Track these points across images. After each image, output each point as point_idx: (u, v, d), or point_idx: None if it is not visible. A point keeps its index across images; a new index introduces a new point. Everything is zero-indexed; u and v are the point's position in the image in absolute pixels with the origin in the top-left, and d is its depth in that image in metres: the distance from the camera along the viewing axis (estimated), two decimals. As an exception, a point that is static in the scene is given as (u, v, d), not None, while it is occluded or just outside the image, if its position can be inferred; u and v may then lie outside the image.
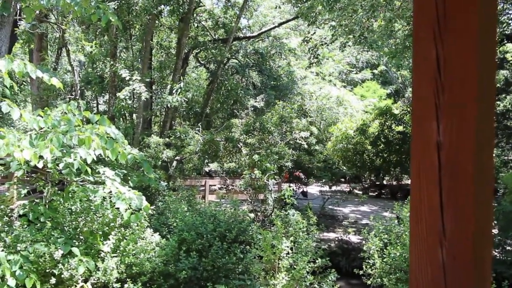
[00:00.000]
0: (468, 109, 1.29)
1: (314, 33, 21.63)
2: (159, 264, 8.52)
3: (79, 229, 8.08)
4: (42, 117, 6.03)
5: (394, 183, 24.87)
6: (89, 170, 6.56)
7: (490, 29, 1.34)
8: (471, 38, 1.30)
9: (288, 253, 8.79)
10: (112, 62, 15.40)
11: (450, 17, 1.32)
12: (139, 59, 17.27)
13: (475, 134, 1.29)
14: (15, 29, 14.87)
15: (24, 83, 20.68)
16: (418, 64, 1.41)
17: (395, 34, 19.98)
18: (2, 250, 7.10)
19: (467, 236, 1.29)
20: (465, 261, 1.29)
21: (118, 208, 6.91)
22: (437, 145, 1.33)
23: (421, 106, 1.40)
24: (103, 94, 19.27)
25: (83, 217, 8.24)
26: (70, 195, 8.29)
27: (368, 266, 9.49)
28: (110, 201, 7.94)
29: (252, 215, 13.22)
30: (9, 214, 8.84)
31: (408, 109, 23.56)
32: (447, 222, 1.31)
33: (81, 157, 6.23)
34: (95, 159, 6.33)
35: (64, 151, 6.34)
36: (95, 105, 20.92)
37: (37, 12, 13.70)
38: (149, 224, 9.47)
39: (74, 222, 8.13)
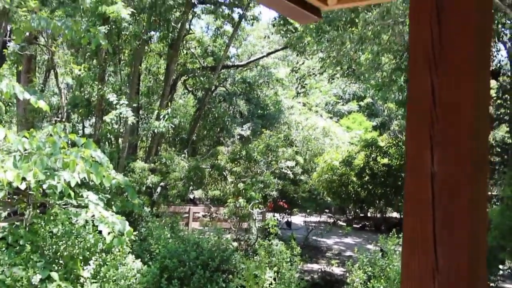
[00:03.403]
0: (463, 140, 1.28)
1: (303, 63, 21.85)
2: (140, 291, 8.38)
3: (59, 253, 7.94)
4: (27, 138, 5.97)
5: (379, 215, 24.89)
6: (72, 193, 6.48)
7: (485, 61, 1.35)
8: (466, 70, 1.30)
9: (271, 284, 8.70)
10: (100, 86, 15.37)
11: (445, 49, 1.32)
12: (127, 84, 17.27)
13: (470, 166, 1.27)
14: (4, 50, 14.82)
15: (10, 104, 20.55)
16: (412, 96, 1.41)
17: (382, 67, 20.22)
18: (-21, 273, 6.94)
19: (461, 271, 1.27)
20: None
21: (100, 233, 6.82)
22: (431, 175, 1.31)
23: (415, 136, 1.39)
24: (89, 117, 19.18)
25: (64, 241, 8.10)
26: (51, 218, 8.16)
27: (351, 299, 9.40)
28: (93, 225, 7.84)
29: (235, 243, 13.11)
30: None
31: (394, 142, 23.73)
32: (440, 256, 1.29)
33: (65, 180, 6.16)
34: (79, 182, 6.27)
35: (48, 173, 6.27)
36: (81, 128, 20.81)
37: (27, 33, 13.69)
38: (131, 250, 9.33)
39: (54, 246, 7.98)
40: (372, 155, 23.35)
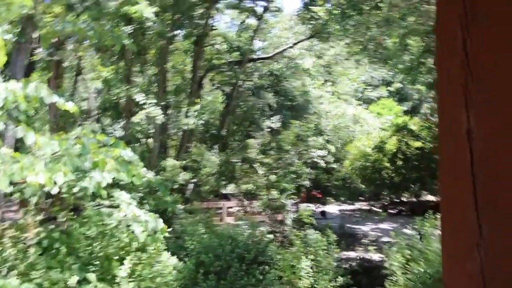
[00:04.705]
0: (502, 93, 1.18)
1: (329, 49, 21.67)
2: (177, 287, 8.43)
3: (94, 254, 8.02)
4: (56, 141, 6.03)
5: (414, 199, 24.54)
6: (104, 193, 6.53)
7: None
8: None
9: (308, 273, 8.65)
10: (127, 87, 15.51)
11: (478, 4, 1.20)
12: (154, 83, 17.37)
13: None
14: (31, 57, 15.06)
15: (40, 110, 20.92)
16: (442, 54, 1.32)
17: (409, 50, 19.89)
18: (17, 278, 7.06)
19: (507, 243, 1.13)
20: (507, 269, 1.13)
21: (133, 232, 6.85)
22: (468, 133, 1.18)
23: (449, 92, 1.28)
24: (119, 120, 19.38)
25: (98, 242, 8.19)
26: (85, 220, 8.25)
27: (391, 284, 9.29)
28: (126, 225, 7.90)
29: (270, 236, 13.09)
30: (24, 242, 8.82)
31: (426, 125, 23.36)
32: (484, 228, 1.14)
33: (96, 180, 6.21)
34: (110, 182, 6.30)
35: (79, 175, 6.33)
36: (112, 131, 21.05)
37: (54, 39, 13.88)
38: (166, 248, 9.39)
39: (89, 248, 8.07)
40: (404, 139, 23.05)
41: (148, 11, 12.91)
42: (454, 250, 1.25)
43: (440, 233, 1.32)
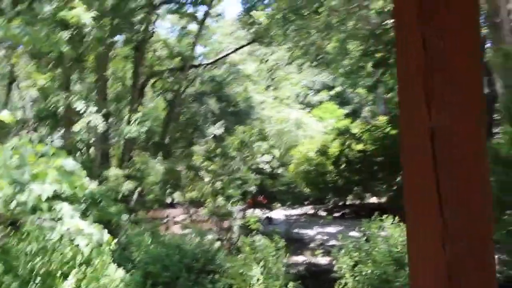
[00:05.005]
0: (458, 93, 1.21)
1: (271, 54, 21.80)
2: (124, 301, 8.16)
3: (35, 271, 7.62)
4: (-9, 153, 5.69)
5: (357, 202, 24.92)
6: (45, 207, 6.20)
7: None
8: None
9: (258, 279, 8.55)
10: (66, 95, 15.01)
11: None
12: (94, 91, 16.91)
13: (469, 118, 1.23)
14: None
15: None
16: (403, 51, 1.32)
17: (349, 54, 20.23)
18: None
19: (469, 231, 1.19)
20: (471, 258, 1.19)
21: (78, 245, 6.56)
22: (430, 130, 1.23)
23: (409, 93, 1.32)
24: (58, 129, 18.80)
25: (39, 258, 7.79)
26: (24, 236, 7.84)
27: (340, 287, 9.32)
28: (70, 238, 7.56)
29: (218, 243, 12.94)
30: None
31: (367, 128, 23.76)
32: (447, 218, 1.20)
33: (36, 193, 5.89)
34: (51, 195, 6.00)
35: (17, 187, 5.99)
36: (50, 141, 20.33)
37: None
38: (112, 260, 9.08)
39: (29, 264, 7.67)
40: (347, 143, 23.37)
41: (86, 17, 12.54)
42: (419, 240, 1.28)
43: (406, 230, 1.35)
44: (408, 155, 1.35)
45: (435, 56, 1.28)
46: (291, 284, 8.68)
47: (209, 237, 12.85)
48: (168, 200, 20.07)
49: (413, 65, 1.32)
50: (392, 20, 16.83)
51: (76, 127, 14.31)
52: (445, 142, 1.21)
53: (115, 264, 9.27)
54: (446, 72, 1.24)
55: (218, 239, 14.12)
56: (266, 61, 21.34)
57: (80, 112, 14.19)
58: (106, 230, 6.67)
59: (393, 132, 21.34)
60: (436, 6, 1.30)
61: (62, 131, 17.35)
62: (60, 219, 6.78)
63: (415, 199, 1.33)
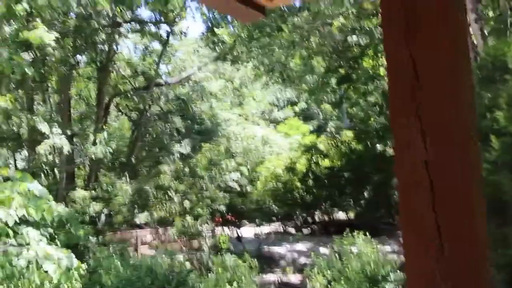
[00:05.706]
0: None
1: (237, 71, 21.89)
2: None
3: (1, 299, 7.38)
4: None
5: (326, 218, 24.96)
6: (10, 232, 6.03)
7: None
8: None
9: (232, 300, 8.47)
10: (29, 116, 14.70)
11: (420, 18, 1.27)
12: (58, 112, 16.64)
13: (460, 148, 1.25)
14: None
15: None
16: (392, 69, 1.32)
17: (313, 70, 20.44)
18: None
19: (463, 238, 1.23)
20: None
21: (46, 271, 6.38)
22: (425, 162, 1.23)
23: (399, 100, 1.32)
24: (19, 151, 18.38)
25: (5, 286, 7.54)
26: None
27: (313, 305, 9.30)
28: (37, 263, 7.34)
29: (188, 263, 12.79)
30: None
31: (333, 143, 23.91)
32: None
33: (1, 219, 5.72)
34: (17, 220, 5.83)
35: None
36: (12, 163, 19.88)
37: None
38: (82, 285, 8.86)
39: (-5, 292, 7.42)
40: (313, 159, 23.47)
41: (48, 38, 12.36)
42: (416, 256, 1.30)
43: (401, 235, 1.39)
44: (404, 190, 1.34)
45: (424, 75, 1.29)
46: (264, 303, 8.63)
47: (180, 257, 12.69)
48: (137, 221, 19.80)
49: (402, 84, 1.32)
50: (354, 38, 17.16)
51: (40, 149, 14.01)
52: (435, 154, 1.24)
53: (85, 289, 9.07)
54: (436, 88, 1.25)
55: (188, 260, 13.96)
56: (231, 80, 21.41)
57: (44, 133, 13.93)
58: (73, 256, 6.50)
59: (359, 147, 21.58)
60: (420, 24, 1.31)
61: (25, 152, 17.00)
62: (27, 244, 6.60)
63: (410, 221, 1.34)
